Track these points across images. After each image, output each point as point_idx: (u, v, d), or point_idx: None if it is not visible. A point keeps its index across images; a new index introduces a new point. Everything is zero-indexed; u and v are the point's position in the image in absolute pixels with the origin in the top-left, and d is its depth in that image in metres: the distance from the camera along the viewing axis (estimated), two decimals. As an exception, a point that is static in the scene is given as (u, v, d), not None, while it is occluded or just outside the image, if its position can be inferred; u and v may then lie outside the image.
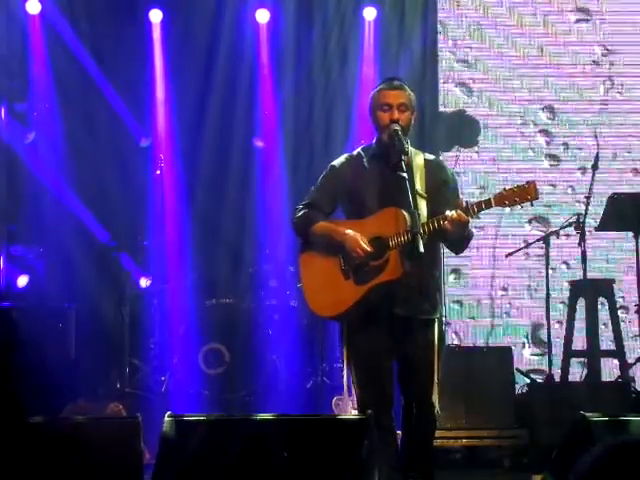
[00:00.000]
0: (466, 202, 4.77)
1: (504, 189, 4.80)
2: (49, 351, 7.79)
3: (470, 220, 4.78)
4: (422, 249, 4.57)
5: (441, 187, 5.00)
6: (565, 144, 9.58)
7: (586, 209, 7.97)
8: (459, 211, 4.69)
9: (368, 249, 4.81)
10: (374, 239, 4.83)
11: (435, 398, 4.86)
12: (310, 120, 9.53)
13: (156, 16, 9.47)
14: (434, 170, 5.05)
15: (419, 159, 5.02)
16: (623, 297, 9.03)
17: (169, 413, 4.32)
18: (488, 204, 4.75)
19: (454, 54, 9.68)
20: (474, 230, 5.09)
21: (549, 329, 8.15)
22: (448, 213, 4.71)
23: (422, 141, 7.85)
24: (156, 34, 9.50)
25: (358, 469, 4.04)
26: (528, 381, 8.19)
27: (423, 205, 4.87)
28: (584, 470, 1.78)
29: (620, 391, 7.56)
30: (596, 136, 9.37)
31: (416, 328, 4.84)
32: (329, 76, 9.58)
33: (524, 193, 4.75)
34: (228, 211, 9.37)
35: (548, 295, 8.15)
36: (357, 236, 4.83)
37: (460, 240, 4.98)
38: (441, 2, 9.70)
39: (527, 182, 4.80)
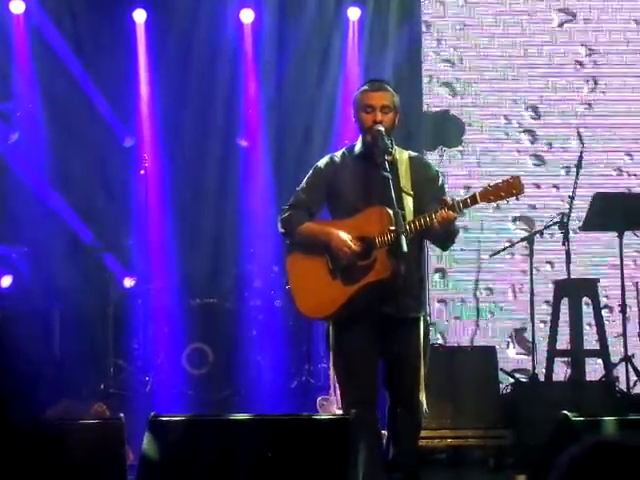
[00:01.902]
0: (452, 199, 4.79)
1: (489, 184, 4.82)
2: (33, 351, 7.76)
3: (456, 217, 4.80)
4: (406, 249, 4.58)
5: (427, 184, 5.02)
6: (549, 144, 9.60)
7: (570, 209, 7.97)
8: (445, 209, 4.71)
9: (355, 249, 4.82)
10: (360, 239, 4.84)
11: (423, 397, 4.87)
12: (294, 119, 9.53)
13: (140, 16, 9.45)
14: (419, 168, 5.07)
15: (404, 157, 5.03)
16: (607, 297, 9.05)
17: (153, 413, 4.31)
18: (473, 200, 4.78)
19: (438, 54, 9.69)
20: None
21: (533, 329, 8.16)
22: (434, 211, 4.72)
23: (406, 141, 7.83)
24: (140, 34, 9.48)
25: (342, 469, 4.04)
26: (512, 381, 8.20)
27: (409, 202, 4.89)
28: (562, 469, 1.79)
29: (604, 391, 7.58)
30: (580, 136, 9.41)
31: (402, 327, 4.85)
32: (313, 76, 9.57)
33: (509, 187, 4.77)
34: (212, 211, 9.37)
35: (532, 295, 8.16)
36: (343, 236, 4.84)
37: (447, 236, 5.00)
38: (425, 2, 9.71)
39: (512, 177, 4.82)
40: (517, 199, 4.86)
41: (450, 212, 4.71)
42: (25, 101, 9.31)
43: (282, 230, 5.11)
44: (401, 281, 4.75)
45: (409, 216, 4.81)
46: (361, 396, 4.87)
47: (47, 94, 9.28)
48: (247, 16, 9.49)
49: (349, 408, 4.67)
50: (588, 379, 8.22)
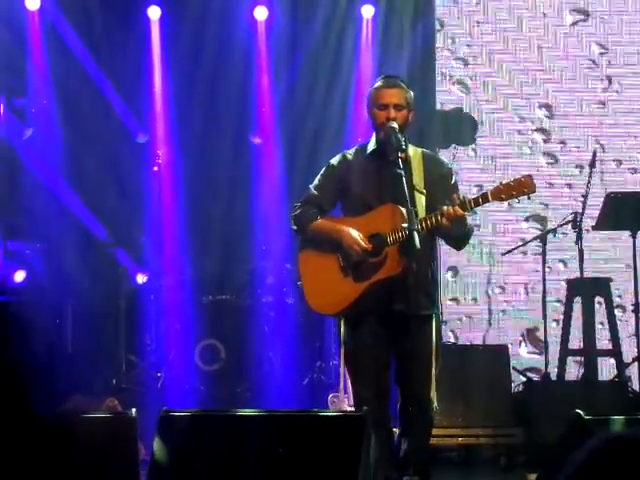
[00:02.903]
0: (463, 197, 4.79)
1: (500, 183, 4.82)
2: (45, 346, 7.78)
3: (467, 215, 4.80)
4: (419, 245, 4.58)
5: (439, 182, 5.02)
6: (562, 142, 9.58)
7: (583, 207, 7.96)
8: (455, 206, 4.71)
9: (366, 246, 4.82)
10: (372, 236, 4.85)
11: (433, 394, 4.87)
12: (307, 117, 9.53)
13: (154, 13, 9.48)
14: (432, 165, 5.07)
15: (417, 155, 5.03)
16: (620, 296, 9.02)
17: (164, 409, 4.32)
18: (485, 198, 4.78)
19: (452, 52, 9.67)
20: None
21: (546, 328, 8.15)
22: (444, 208, 4.72)
23: (419, 139, 7.83)
24: (154, 31, 9.50)
25: (353, 466, 4.04)
26: (524, 379, 8.19)
27: (422, 200, 4.89)
28: (577, 464, 1.78)
29: (617, 390, 7.56)
30: (593, 135, 9.40)
31: (414, 324, 4.85)
32: (326, 73, 9.57)
33: (521, 186, 4.77)
34: (225, 207, 9.37)
35: (545, 294, 8.15)
36: (355, 233, 4.85)
37: (460, 236, 5.00)
38: (439, 0, 9.70)
39: (523, 175, 4.82)
40: (529, 198, 4.86)
41: (458, 209, 4.71)
42: (40, 97, 9.34)
43: (294, 227, 5.12)
44: (412, 278, 4.76)
45: (421, 214, 4.81)
46: (373, 394, 4.88)
47: (61, 90, 9.30)
48: (261, 13, 9.50)
49: (361, 405, 4.67)
50: (600, 379, 8.20)
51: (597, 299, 8.20)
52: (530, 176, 4.81)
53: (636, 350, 7.99)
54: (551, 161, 9.57)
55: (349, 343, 4.95)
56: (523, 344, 9.36)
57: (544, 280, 8.17)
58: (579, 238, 7.90)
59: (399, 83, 5.05)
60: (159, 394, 8.05)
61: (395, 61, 9.41)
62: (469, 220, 4.96)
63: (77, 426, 4.34)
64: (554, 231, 8.38)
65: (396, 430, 5.07)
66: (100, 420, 4.61)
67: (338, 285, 4.91)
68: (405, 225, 4.68)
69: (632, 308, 8.14)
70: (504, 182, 4.81)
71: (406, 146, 4.94)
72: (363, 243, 4.83)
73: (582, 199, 8.08)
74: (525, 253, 9.20)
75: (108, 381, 8.30)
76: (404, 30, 9.59)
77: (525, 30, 9.63)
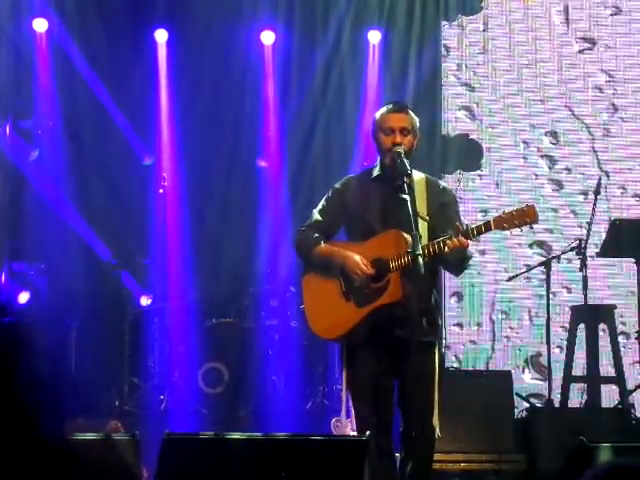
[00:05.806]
0: (466, 225, 4.77)
1: (503, 212, 4.80)
2: (49, 368, 7.78)
3: (470, 243, 4.79)
4: (422, 271, 4.57)
5: (443, 209, 5.00)
6: (567, 169, 9.59)
7: (588, 234, 7.97)
8: (459, 235, 4.69)
9: (368, 271, 4.81)
10: (375, 261, 4.84)
11: (435, 421, 4.86)
12: (313, 141, 9.56)
13: (161, 36, 9.52)
14: (436, 192, 5.06)
15: (421, 181, 5.02)
16: (624, 323, 9.02)
17: (167, 432, 4.32)
18: (487, 227, 4.75)
19: (458, 78, 9.71)
20: (476, 254, 5.10)
21: (549, 354, 8.13)
22: (448, 237, 4.71)
23: (425, 164, 7.85)
24: (161, 54, 9.55)
25: (356, 491, 4.03)
26: (528, 406, 8.18)
27: (425, 226, 4.87)
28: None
29: (620, 417, 7.55)
30: (598, 162, 9.42)
31: (416, 350, 4.83)
32: (333, 98, 9.61)
33: (523, 216, 4.75)
34: (230, 230, 9.39)
35: (548, 320, 8.14)
36: (357, 258, 4.83)
37: (459, 263, 4.99)
38: (446, 26, 9.75)
39: (526, 205, 4.80)
40: (531, 228, 4.85)
41: (463, 239, 4.69)
42: (46, 119, 9.37)
43: (297, 250, 5.12)
44: (414, 304, 4.75)
45: (424, 240, 4.79)
46: (375, 419, 4.86)
47: (68, 112, 9.34)
48: (268, 38, 9.54)
49: (363, 430, 4.66)
50: (603, 405, 8.18)
51: (601, 326, 8.20)
52: (533, 206, 4.78)
53: (639, 377, 7.98)
54: (556, 187, 9.58)
55: (351, 368, 4.94)
56: (526, 370, 9.35)
57: (548, 306, 8.16)
58: (583, 265, 7.90)
59: (405, 108, 5.05)
60: (162, 417, 8.03)
61: (401, 86, 9.45)
62: (471, 246, 4.94)
63: (80, 449, 4.34)
64: (558, 257, 8.38)
65: (398, 455, 5.05)
66: (103, 443, 4.61)
67: (339, 310, 4.90)
68: (409, 250, 4.67)
69: (636, 335, 8.14)
70: (507, 211, 4.79)
71: (411, 171, 4.94)
72: (366, 268, 4.82)
73: (587, 226, 8.08)
74: (529, 279, 9.20)
75: (111, 403, 8.30)
76: (410, 55, 9.63)
77: (531, 57, 9.66)
